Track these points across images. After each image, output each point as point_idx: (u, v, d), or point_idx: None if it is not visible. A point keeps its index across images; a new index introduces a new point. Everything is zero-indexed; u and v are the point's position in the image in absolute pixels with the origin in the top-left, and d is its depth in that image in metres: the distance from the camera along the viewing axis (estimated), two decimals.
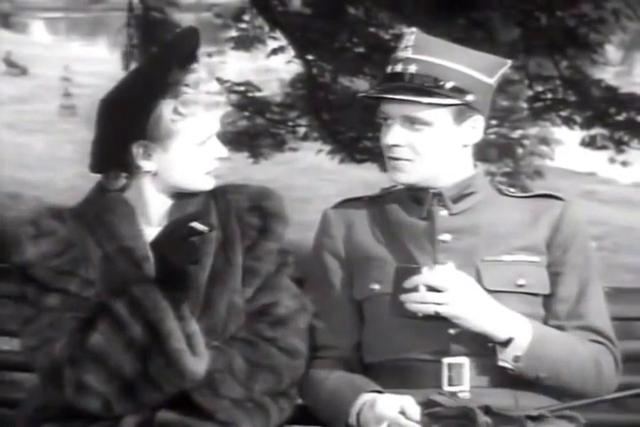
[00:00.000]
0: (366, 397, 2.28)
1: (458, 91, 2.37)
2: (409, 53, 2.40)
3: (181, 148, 2.30)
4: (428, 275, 2.26)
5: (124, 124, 2.27)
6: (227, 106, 2.37)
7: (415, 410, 2.21)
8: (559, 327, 2.40)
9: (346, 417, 2.28)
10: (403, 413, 2.21)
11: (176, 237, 2.16)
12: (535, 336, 2.31)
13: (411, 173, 2.42)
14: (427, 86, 2.36)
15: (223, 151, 2.35)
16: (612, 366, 2.41)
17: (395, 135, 2.40)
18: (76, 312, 2.24)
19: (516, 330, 2.30)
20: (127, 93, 2.30)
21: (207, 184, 2.36)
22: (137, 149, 2.28)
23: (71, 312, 2.24)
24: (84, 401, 2.20)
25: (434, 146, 2.39)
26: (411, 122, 2.38)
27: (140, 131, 2.26)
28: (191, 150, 2.30)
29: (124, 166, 2.31)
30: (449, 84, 2.36)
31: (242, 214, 2.37)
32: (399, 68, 2.39)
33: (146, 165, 2.30)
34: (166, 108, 2.26)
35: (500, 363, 2.31)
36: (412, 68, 2.38)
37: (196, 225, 2.15)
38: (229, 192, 2.40)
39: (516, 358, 2.30)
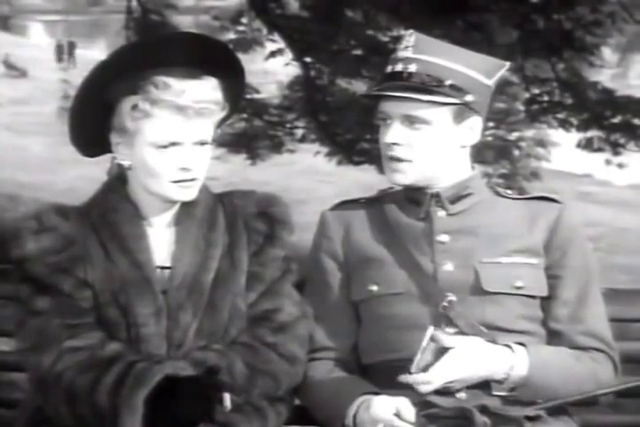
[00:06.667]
0: (362, 398, 2.29)
1: (457, 90, 2.38)
2: (409, 53, 2.40)
3: (141, 147, 2.25)
4: (438, 375, 2.25)
5: (94, 114, 2.26)
6: (215, 116, 2.26)
7: (410, 411, 2.22)
8: (559, 331, 2.41)
9: (342, 418, 2.29)
10: (397, 414, 2.22)
11: (203, 399, 2.14)
12: (532, 367, 2.31)
13: (408, 174, 2.42)
14: (427, 85, 2.36)
15: (186, 163, 2.24)
16: (611, 373, 2.43)
17: (394, 134, 2.40)
18: (65, 319, 2.24)
19: (513, 368, 2.31)
20: (91, 84, 2.25)
21: (179, 194, 2.28)
22: (113, 139, 2.28)
23: (59, 318, 2.24)
24: (61, 422, 2.23)
25: (432, 145, 2.40)
26: (410, 121, 2.39)
27: (105, 122, 2.26)
28: (150, 152, 2.25)
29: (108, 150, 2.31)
30: (448, 82, 2.37)
31: (249, 220, 2.36)
32: (399, 67, 2.40)
33: (119, 156, 2.29)
34: (128, 103, 2.23)
35: (495, 393, 2.32)
36: (413, 68, 2.38)
37: (227, 399, 2.13)
38: (237, 197, 2.39)
39: (512, 389, 2.32)
